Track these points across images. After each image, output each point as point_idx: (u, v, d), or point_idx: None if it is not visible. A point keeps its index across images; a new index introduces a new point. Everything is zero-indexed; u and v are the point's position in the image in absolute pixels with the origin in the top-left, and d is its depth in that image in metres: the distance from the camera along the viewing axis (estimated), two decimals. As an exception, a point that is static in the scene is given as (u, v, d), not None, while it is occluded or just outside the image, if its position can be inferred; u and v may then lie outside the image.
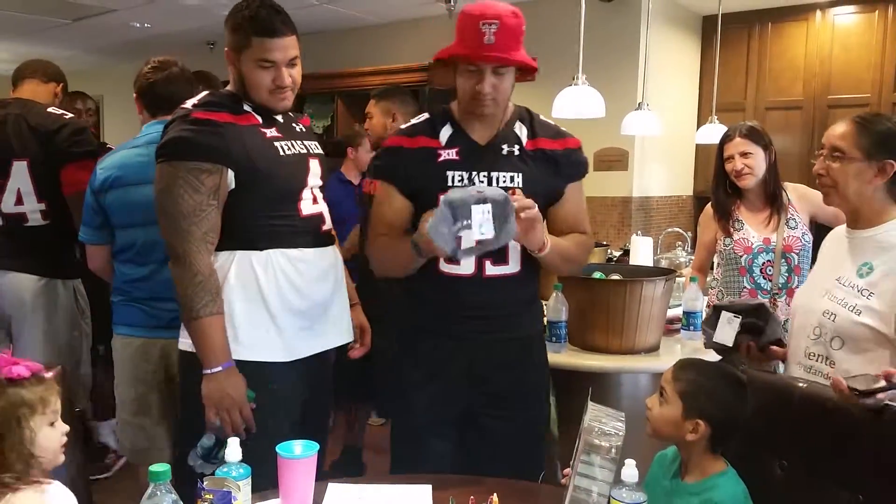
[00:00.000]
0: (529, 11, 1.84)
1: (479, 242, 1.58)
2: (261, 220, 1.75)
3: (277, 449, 1.35)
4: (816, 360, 1.73)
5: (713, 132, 4.11)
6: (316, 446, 1.37)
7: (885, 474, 1.36)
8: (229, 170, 1.71)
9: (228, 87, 1.83)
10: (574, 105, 2.80)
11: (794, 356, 1.81)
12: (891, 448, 1.37)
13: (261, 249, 1.75)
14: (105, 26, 5.61)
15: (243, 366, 1.72)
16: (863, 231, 1.71)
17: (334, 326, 1.91)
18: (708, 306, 2.86)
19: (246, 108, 1.77)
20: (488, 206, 1.57)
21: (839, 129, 1.70)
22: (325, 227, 1.88)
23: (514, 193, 1.66)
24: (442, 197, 1.62)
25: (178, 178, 1.68)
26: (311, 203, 1.84)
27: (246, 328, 1.74)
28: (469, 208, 1.56)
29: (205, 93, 1.80)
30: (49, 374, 1.31)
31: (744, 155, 2.63)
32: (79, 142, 2.57)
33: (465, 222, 1.57)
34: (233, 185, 1.72)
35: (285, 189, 1.79)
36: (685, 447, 1.47)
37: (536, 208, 1.67)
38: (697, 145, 4.85)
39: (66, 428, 1.30)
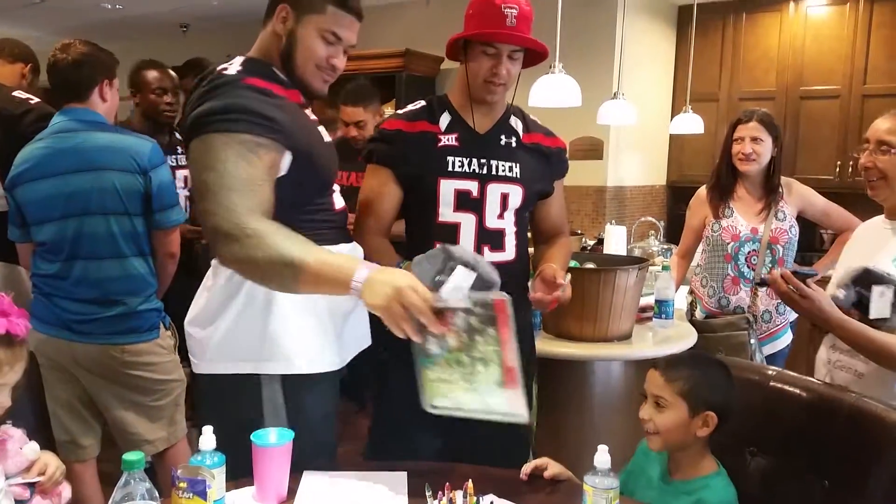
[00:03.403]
0: (507, 0, 1.83)
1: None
2: (304, 213, 1.55)
3: (252, 437, 1.34)
4: (843, 354, 1.78)
5: (687, 122, 4.16)
6: (291, 434, 1.36)
7: (847, 460, 1.39)
8: (288, 152, 1.47)
9: (255, 54, 1.59)
10: (550, 94, 2.81)
11: (825, 343, 1.89)
12: (852, 436, 1.40)
13: None
14: (75, 7, 5.49)
15: (297, 379, 1.53)
16: None
17: (363, 325, 1.75)
18: (690, 293, 2.90)
19: (286, 81, 1.56)
20: (473, 276, 1.40)
21: (886, 124, 1.74)
22: (349, 224, 1.77)
23: (553, 305, 1.78)
24: (442, 245, 1.55)
25: (228, 150, 1.39)
26: (339, 196, 1.70)
27: (296, 337, 1.53)
28: (458, 266, 1.44)
29: (239, 58, 1.55)
30: (22, 345, 1.28)
31: (755, 140, 2.66)
32: (44, 128, 2.55)
33: (446, 277, 1.45)
34: (283, 172, 1.48)
35: (328, 180, 1.64)
36: (687, 446, 1.46)
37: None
38: (671, 135, 4.89)
39: (7, 403, 1.28)
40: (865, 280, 1.69)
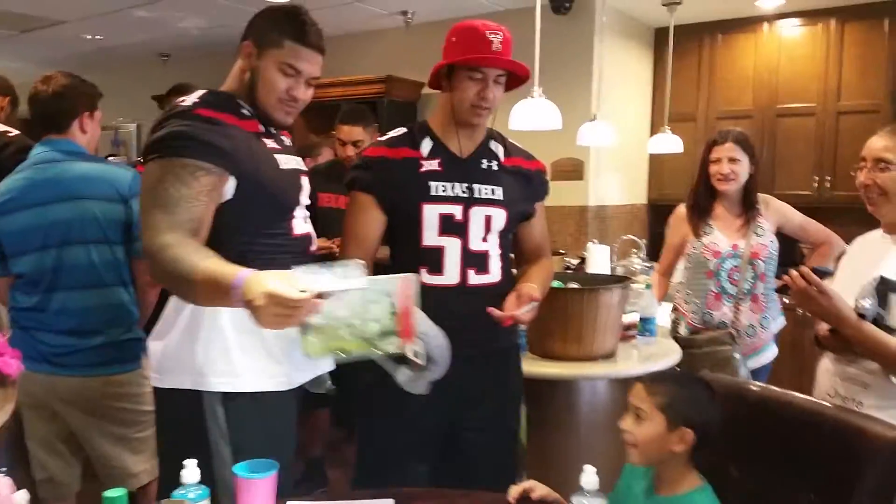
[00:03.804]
0: (485, 25, 1.86)
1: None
2: (254, 238, 1.61)
3: (234, 469, 1.33)
4: (849, 365, 1.79)
5: (666, 142, 4.21)
6: (276, 465, 1.34)
7: (832, 473, 1.40)
8: (231, 178, 1.55)
9: (224, 88, 1.69)
10: (531, 117, 2.84)
11: (832, 356, 1.87)
12: (836, 448, 1.41)
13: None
14: (55, 38, 5.49)
15: (240, 398, 1.57)
16: None
17: None
18: (674, 310, 2.92)
19: (246, 112, 1.64)
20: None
21: (881, 142, 1.78)
22: (312, 249, 1.78)
23: (508, 322, 1.75)
24: None
25: (167, 173, 1.49)
26: (302, 222, 1.73)
27: (241, 357, 1.58)
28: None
29: (201, 91, 1.64)
30: (14, 385, 1.26)
31: (732, 160, 2.70)
32: (24, 160, 2.54)
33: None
34: (228, 197, 1.56)
35: (283, 206, 1.67)
36: (666, 461, 1.46)
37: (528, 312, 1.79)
38: (651, 155, 4.94)
39: None
40: (882, 289, 1.71)
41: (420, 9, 4.60)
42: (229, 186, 1.56)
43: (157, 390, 1.64)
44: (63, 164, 2.16)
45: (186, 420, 1.56)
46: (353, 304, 1.38)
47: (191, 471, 1.30)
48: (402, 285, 1.38)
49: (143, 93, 5.65)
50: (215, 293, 1.37)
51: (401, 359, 1.60)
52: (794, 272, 1.73)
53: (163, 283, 1.52)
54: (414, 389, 1.63)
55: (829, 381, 1.86)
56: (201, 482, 1.32)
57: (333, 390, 1.71)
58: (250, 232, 1.60)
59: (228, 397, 1.57)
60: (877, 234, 1.89)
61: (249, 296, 1.28)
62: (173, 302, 1.61)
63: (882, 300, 1.69)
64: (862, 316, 1.68)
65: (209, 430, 1.56)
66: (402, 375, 1.61)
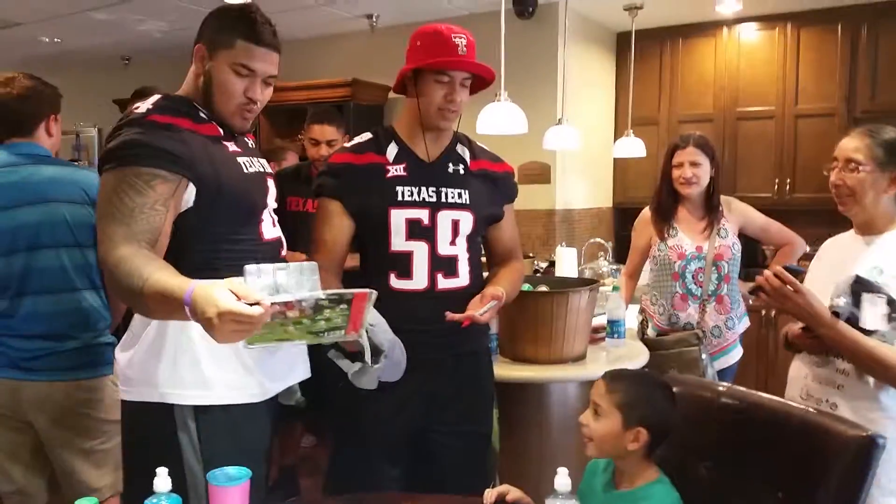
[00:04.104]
0: (450, 30, 1.87)
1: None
2: (222, 243, 1.57)
3: (208, 476, 1.31)
4: (822, 367, 1.80)
5: (629, 145, 4.27)
6: (249, 473, 1.33)
7: (798, 471, 1.43)
8: (190, 184, 1.51)
9: (180, 92, 1.65)
10: (497, 121, 2.85)
11: (805, 358, 1.89)
12: (802, 447, 1.44)
13: (222, 277, 1.48)
14: (11, 40, 5.36)
15: (212, 410, 1.53)
16: (874, 237, 1.82)
17: (300, 357, 1.75)
18: (641, 312, 2.96)
19: (203, 115, 1.59)
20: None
21: (853, 143, 1.80)
22: (283, 252, 1.74)
23: (466, 323, 1.74)
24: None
25: (121, 183, 1.45)
26: (271, 226, 1.69)
27: (212, 368, 1.53)
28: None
29: (156, 96, 1.58)
30: None
31: (693, 164, 2.75)
32: None
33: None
34: (190, 203, 1.52)
35: (249, 210, 1.63)
36: (622, 457, 1.50)
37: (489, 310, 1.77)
38: (615, 158, 5.00)
39: None
40: (857, 288, 1.71)
41: (385, 12, 4.60)
42: (189, 193, 1.52)
43: (124, 403, 1.59)
44: (29, 167, 2.11)
45: (156, 434, 1.52)
46: (306, 306, 1.33)
47: (162, 479, 1.28)
48: (358, 297, 1.34)
49: (105, 96, 5.55)
50: (167, 308, 1.34)
51: (353, 355, 1.61)
52: (767, 273, 1.74)
53: (119, 298, 1.49)
54: (362, 384, 1.64)
55: (801, 384, 1.88)
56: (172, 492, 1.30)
57: (303, 401, 1.69)
58: (216, 238, 1.56)
59: (200, 410, 1.53)
60: (848, 235, 1.92)
61: (202, 313, 1.23)
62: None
63: (856, 299, 1.70)
64: (836, 314, 1.70)
65: (181, 443, 1.52)
66: (351, 369, 1.62)
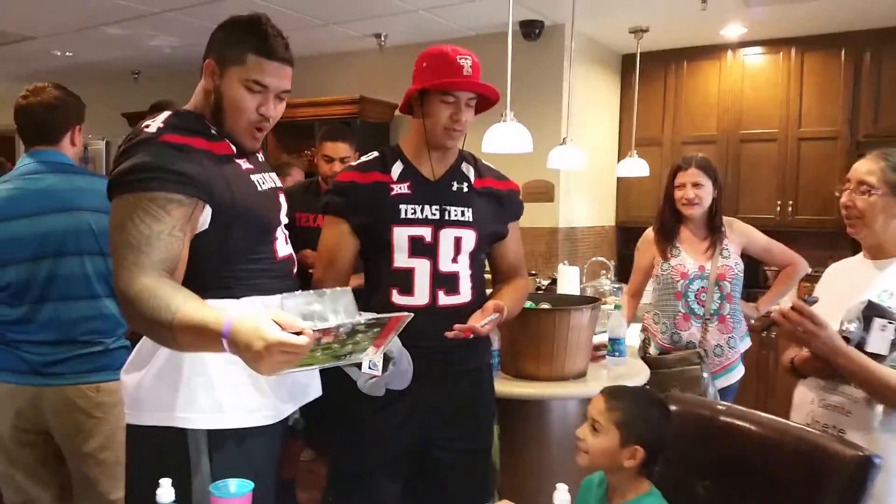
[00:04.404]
0: (459, 51, 1.91)
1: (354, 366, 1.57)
2: (237, 264, 1.52)
3: (211, 488, 1.32)
4: (830, 392, 1.78)
5: (633, 165, 4.30)
6: (250, 485, 1.33)
7: (795, 489, 1.44)
8: (206, 206, 1.45)
9: (186, 107, 1.59)
10: (503, 140, 2.88)
11: (811, 383, 1.86)
12: (799, 465, 1.46)
13: (237, 298, 1.51)
14: (24, 54, 5.44)
15: (225, 434, 1.49)
16: (883, 261, 1.80)
17: (314, 377, 1.73)
18: (643, 330, 2.98)
19: (215, 133, 1.54)
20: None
21: (865, 166, 1.79)
22: (295, 270, 1.72)
23: (468, 333, 1.73)
24: None
25: (136, 209, 1.39)
26: (284, 243, 1.66)
27: (227, 392, 1.50)
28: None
29: (166, 113, 1.52)
30: None
31: (696, 185, 2.78)
32: None
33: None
34: (206, 226, 1.47)
35: (264, 229, 1.59)
36: (616, 472, 1.52)
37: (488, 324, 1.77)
38: (618, 178, 5.04)
39: None
40: (868, 313, 1.68)
41: (393, 32, 4.66)
42: (205, 215, 1.46)
43: (131, 428, 1.54)
44: (54, 175, 2.15)
45: (168, 459, 1.46)
46: (343, 332, 1.33)
47: (166, 489, 1.30)
48: (393, 320, 1.34)
49: (114, 110, 5.61)
50: (199, 341, 1.29)
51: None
52: (783, 308, 1.67)
53: (140, 331, 1.41)
54: (370, 391, 1.66)
55: (807, 409, 1.85)
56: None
57: (302, 423, 1.69)
58: (232, 259, 1.52)
59: (214, 434, 1.49)
60: (857, 259, 1.90)
61: (248, 346, 1.20)
62: None
63: (867, 324, 1.66)
64: (847, 339, 1.67)
65: (192, 468, 1.48)
66: (360, 377, 1.63)
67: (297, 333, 1.20)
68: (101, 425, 2.16)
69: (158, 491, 1.29)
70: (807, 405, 1.86)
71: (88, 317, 2.13)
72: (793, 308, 1.65)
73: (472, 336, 1.75)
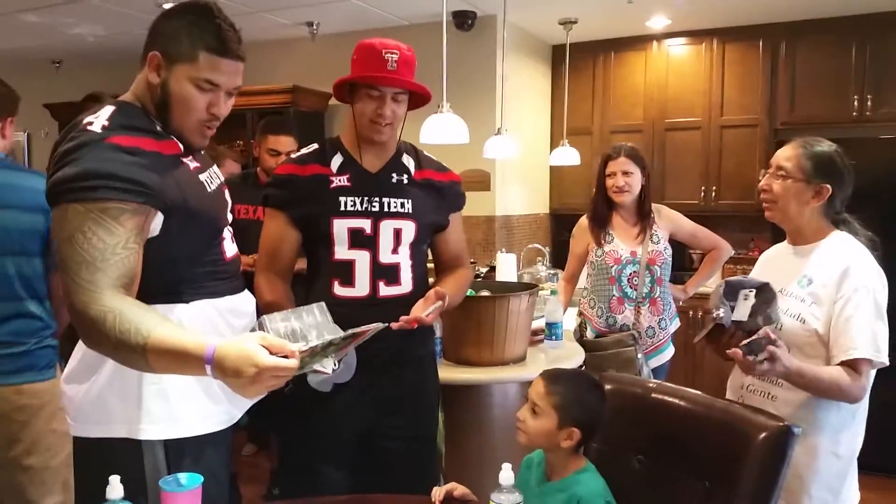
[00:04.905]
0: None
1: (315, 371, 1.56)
2: (188, 268, 1.47)
3: (160, 483, 1.31)
4: (756, 379, 1.81)
5: (565, 154, 4.41)
6: (200, 479, 1.32)
7: (723, 460, 1.53)
8: (159, 213, 1.39)
9: (126, 98, 1.48)
10: (439, 132, 2.92)
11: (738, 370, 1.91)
12: (726, 438, 1.55)
13: (187, 302, 1.47)
14: (-67, 41, 5.16)
15: (180, 442, 1.46)
16: (803, 247, 1.85)
17: None
18: (580, 315, 3.07)
19: (160, 130, 1.45)
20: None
21: (786, 152, 1.84)
22: (241, 269, 1.67)
23: (413, 324, 1.75)
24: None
25: (87, 221, 1.30)
26: (231, 242, 1.62)
27: (181, 400, 1.46)
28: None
29: (109, 108, 1.42)
30: None
31: (626, 173, 2.89)
32: None
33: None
34: (157, 232, 1.40)
35: (214, 231, 1.54)
36: (554, 451, 1.60)
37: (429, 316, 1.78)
38: (551, 166, 5.15)
39: None
40: (730, 292, 1.76)
41: (325, 20, 4.62)
42: (157, 222, 1.40)
43: (79, 441, 1.49)
44: None
45: (121, 472, 1.35)
46: (319, 346, 1.34)
47: (115, 487, 1.28)
48: (364, 332, 1.36)
49: (34, 101, 5.37)
50: (175, 365, 1.27)
51: None
52: (737, 354, 1.61)
53: (103, 352, 1.33)
54: (319, 387, 1.72)
55: (736, 395, 1.92)
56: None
57: (245, 417, 1.69)
58: (182, 264, 1.46)
59: (170, 444, 1.46)
60: (782, 246, 1.96)
61: (239, 372, 1.19)
62: None
63: (734, 298, 1.73)
64: (721, 326, 1.75)
65: (147, 478, 1.44)
66: (312, 378, 1.67)
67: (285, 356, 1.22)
68: (25, 429, 2.08)
69: (108, 488, 1.28)
70: (738, 390, 1.93)
71: (9, 316, 2.05)
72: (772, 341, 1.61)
73: (416, 326, 1.78)
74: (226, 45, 1.43)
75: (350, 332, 1.33)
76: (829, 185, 1.79)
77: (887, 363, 1.72)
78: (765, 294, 1.76)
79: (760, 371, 1.62)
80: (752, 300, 1.73)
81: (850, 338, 1.69)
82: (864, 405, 1.79)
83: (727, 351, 1.66)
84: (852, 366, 1.69)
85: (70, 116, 1.51)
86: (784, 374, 1.65)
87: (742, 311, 1.74)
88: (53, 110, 5.36)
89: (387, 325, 1.39)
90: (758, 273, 1.99)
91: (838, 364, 1.70)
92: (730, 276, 1.94)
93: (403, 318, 1.77)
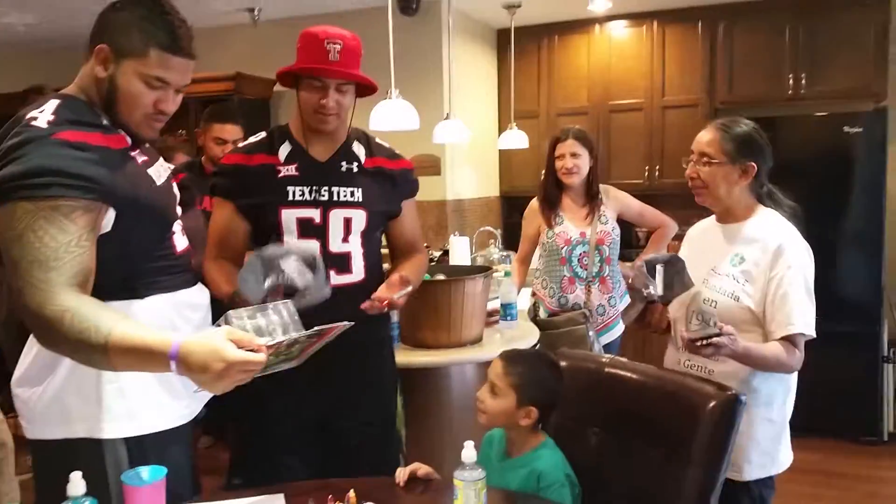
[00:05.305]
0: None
1: (286, 294, 1.58)
2: (140, 263, 1.46)
3: (122, 477, 1.31)
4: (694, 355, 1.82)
5: (513, 138, 4.45)
6: (163, 471, 1.32)
7: (675, 430, 1.60)
8: (110, 208, 1.38)
9: (71, 90, 1.45)
10: (389, 118, 2.93)
11: (675, 342, 1.97)
12: (677, 408, 1.62)
13: (142, 298, 1.46)
14: None
15: (141, 439, 1.45)
16: (733, 225, 1.90)
17: None
18: (533, 295, 3.12)
19: (107, 123, 1.43)
20: (294, 257, 1.59)
21: (706, 137, 1.87)
22: (193, 262, 1.66)
23: (384, 305, 1.75)
24: (254, 251, 1.66)
25: (37, 219, 1.27)
26: (181, 236, 1.61)
27: (140, 397, 1.45)
28: (278, 262, 1.58)
29: (53, 102, 1.38)
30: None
31: (574, 155, 2.94)
32: None
33: (274, 276, 1.58)
34: (108, 228, 1.39)
35: (164, 225, 1.54)
36: (514, 429, 1.64)
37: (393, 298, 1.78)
38: (500, 150, 5.18)
39: None
40: (650, 269, 1.82)
41: (267, 6, 4.55)
42: (108, 218, 1.38)
43: (35, 443, 1.46)
44: None
45: (82, 471, 1.32)
46: (286, 342, 1.35)
47: (76, 483, 1.27)
48: (331, 329, 1.37)
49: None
50: (138, 362, 1.26)
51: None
52: (723, 337, 1.65)
53: (61, 352, 1.32)
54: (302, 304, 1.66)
55: (676, 356, 1.98)
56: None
57: (203, 412, 1.68)
58: (134, 260, 1.45)
59: (132, 441, 1.45)
60: (710, 222, 2.01)
61: (206, 367, 1.19)
62: None
63: (653, 275, 1.81)
64: (653, 301, 1.83)
65: (109, 477, 1.43)
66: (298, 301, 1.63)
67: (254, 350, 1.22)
68: None
69: (69, 485, 1.27)
70: (675, 365, 1.97)
71: None
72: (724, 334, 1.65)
73: (386, 309, 1.79)
74: (178, 42, 1.41)
75: (315, 329, 1.34)
76: (753, 163, 1.84)
77: (815, 335, 1.79)
78: (675, 265, 1.83)
79: (707, 354, 1.68)
80: (663, 274, 1.82)
81: (786, 314, 1.76)
82: (794, 374, 1.87)
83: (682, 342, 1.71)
84: (790, 340, 1.76)
85: (4, 108, 1.44)
86: (732, 355, 1.71)
87: (660, 285, 1.82)
88: (20, 102, 5.15)
89: (353, 323, 1.40)
90: (686, 250, 2.03)
91: (777, 339, 1.77)
92: (675, 251, 2.00)
93: (377, 295, 1.77)
